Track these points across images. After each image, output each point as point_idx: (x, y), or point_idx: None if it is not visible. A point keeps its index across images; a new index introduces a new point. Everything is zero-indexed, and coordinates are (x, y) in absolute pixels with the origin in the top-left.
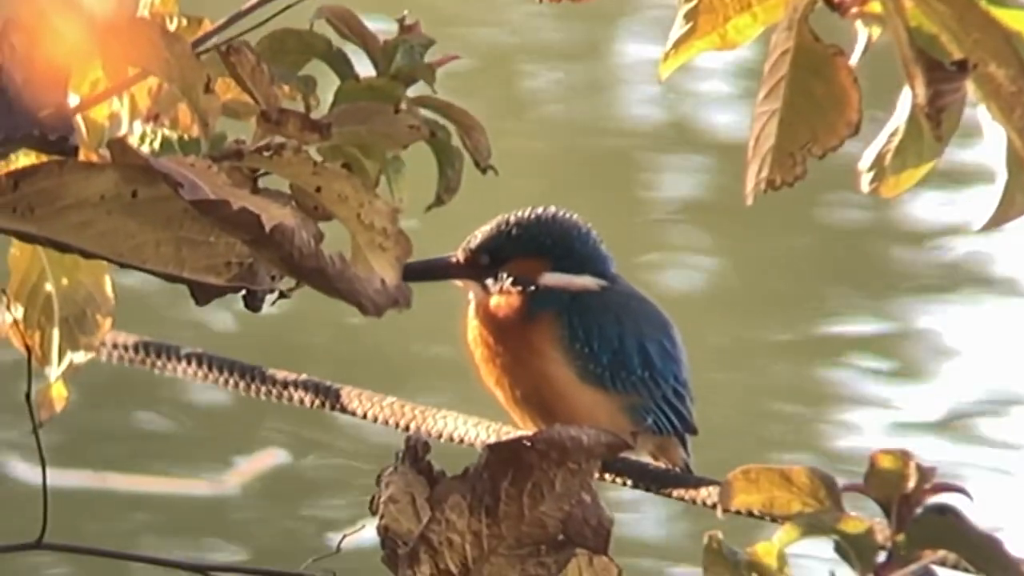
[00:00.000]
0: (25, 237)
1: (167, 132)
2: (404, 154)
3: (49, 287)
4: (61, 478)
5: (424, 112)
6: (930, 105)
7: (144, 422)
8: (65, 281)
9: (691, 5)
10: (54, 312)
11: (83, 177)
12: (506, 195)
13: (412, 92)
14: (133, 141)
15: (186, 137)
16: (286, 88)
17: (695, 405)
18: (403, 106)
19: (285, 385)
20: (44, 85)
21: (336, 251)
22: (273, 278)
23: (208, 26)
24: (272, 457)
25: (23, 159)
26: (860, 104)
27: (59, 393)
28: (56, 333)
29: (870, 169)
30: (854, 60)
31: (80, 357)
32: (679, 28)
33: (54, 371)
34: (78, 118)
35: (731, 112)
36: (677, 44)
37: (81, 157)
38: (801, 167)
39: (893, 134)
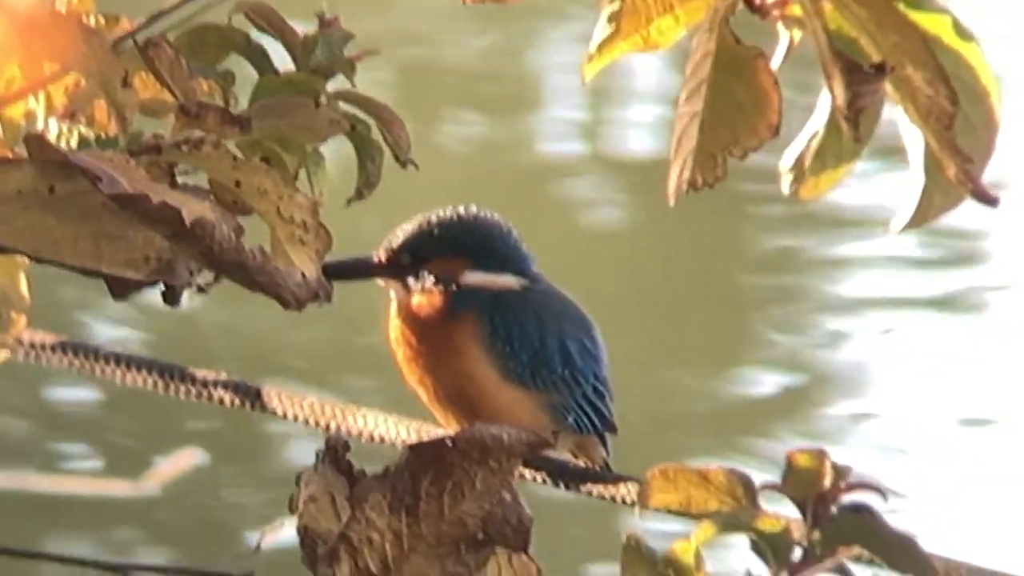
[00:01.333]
0: None
1: (83, 130)
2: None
3: None
4: None
5: (344, 106)
6: (849, 107)
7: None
8: None
9: (614, 7)
10: None
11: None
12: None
13: (331, 87)
14: (49, 139)
15: (103, 135)
16: (204, 83)
17: (614, 404)
18: (323, 100)
19: (205, 384)
20: None
21: (256, 245)
22: (191, 272)
23: (126, 25)
24: (191, 456)
25: None
26: (780, 106)
27: None
28: None
29: (790, 171)
30: (775, 63)
31: None
32: (602, 30)
33: None
34: None
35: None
36: (601, 46)
37: None
38: (722, 168)
39: (813, 136)
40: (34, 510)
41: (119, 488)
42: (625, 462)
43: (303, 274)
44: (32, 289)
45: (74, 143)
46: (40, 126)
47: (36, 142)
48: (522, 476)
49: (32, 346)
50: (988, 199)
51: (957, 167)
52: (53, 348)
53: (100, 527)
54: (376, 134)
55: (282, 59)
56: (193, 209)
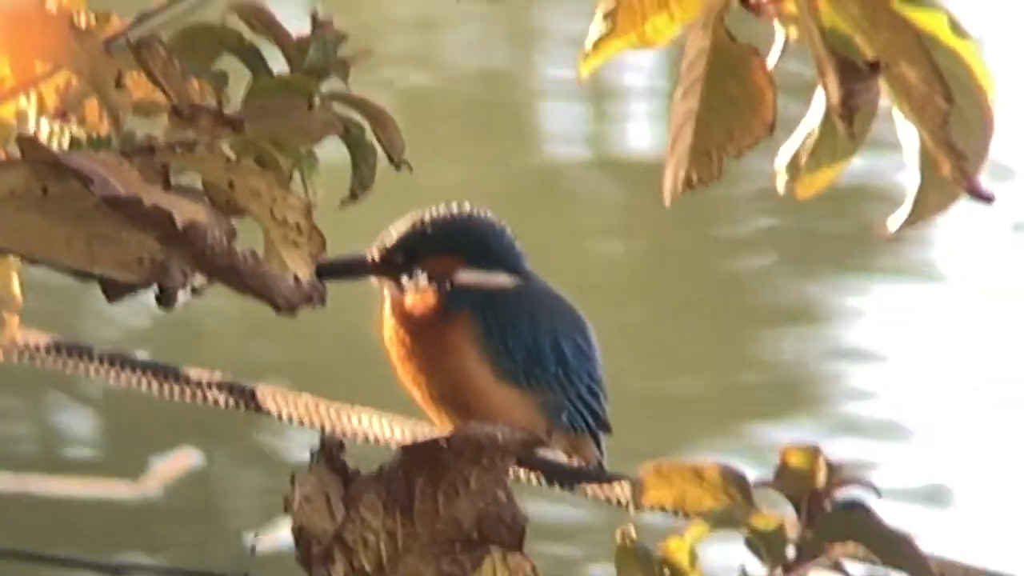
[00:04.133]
0: None
1: (75, 130)
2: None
3: None
4: None
5: (338, 107)
6: (843, 105)
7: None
8: None
9: (610, 5)
10: None
11: None
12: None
13: (325, 88)
14: (41, 139)
15: (95, 135)
16: (197, 84)
17: (608, 403)
18: (316, 101)
19: (199, 384)
20: None
21: (248, 247)
22: (185, 275)
23: (117, 23)
24: (188, 457)
25: None
26: (775, 104)
27: None
28: None
29: (786, 169)
30: (771, 60)
31: None
32: (598, 28)
33: None
34: None
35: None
36: (597, 44)
37: None
38: (718, 166)
39: (808, 134)
40: (31, 512)
41: (118, 490)
42: (623, 457)
43: (296, 277)
44: (26, 290)
45: (66, 143)
46: (31, 126)
47: (29, 143)
48: (516, 476)
49: (26, 347)
50: (983, 197)
51: (952, 165)
52: (47, 349)
53: (99, 529)
54: (370, 136)
55: (276, 60)
56: (185, 212)
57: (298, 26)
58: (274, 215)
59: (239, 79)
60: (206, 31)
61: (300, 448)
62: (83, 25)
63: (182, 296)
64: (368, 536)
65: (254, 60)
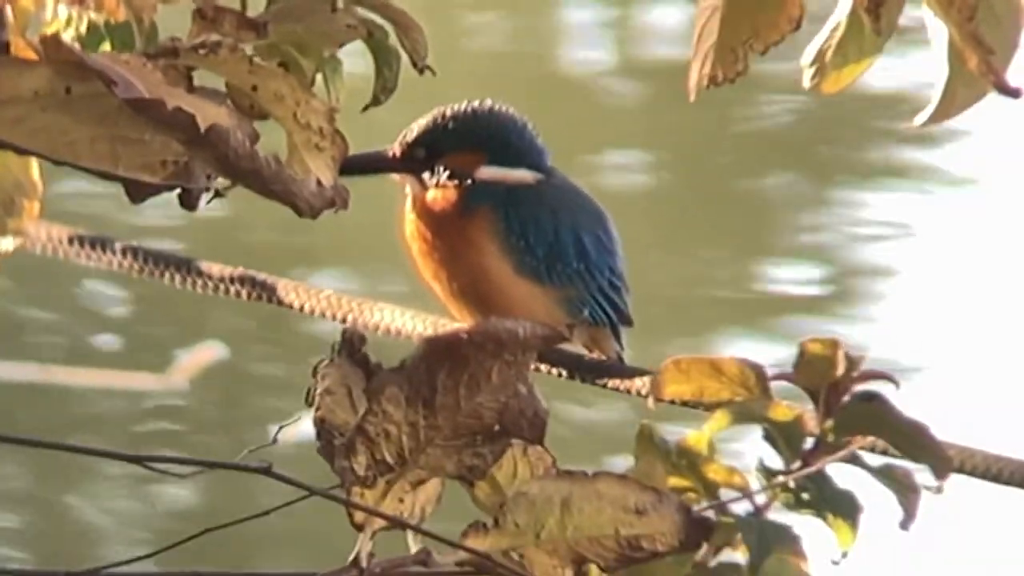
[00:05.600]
0: None
1: (93, 16)
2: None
3: None
4: (4, 371)
5: (361, 11)
6: (870, 0)
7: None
8: None
9: None
10: None
11: (16, 73)
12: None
13: None
14: (59, 25)
15: (112, 21)
16: None
17: (630, 296)
18: (340, 5)
19: (221, 279)
20: None
21: (272, 152)
22: (209, 177)
23: None
24: (213, 351)
25: None
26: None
27: None
28: None
29: (811, 65)
30: None
31: (8, 244)
32: None
33: None
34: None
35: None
36: None
37: (14, 52)
38: (743, 63)
39: (834, 29)
40: (60, 402)
41: (144, 382)
42: (647, 351)
43: (318, 181)
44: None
45: (84, 29)
46: (49, 11)
47: (52, 43)
48: (537, 369)
49: (48, 239)
50: (1011, 91)
51: (980, 59)
52: (70, 241)
53: (125, 420)
54: (393, 39)
55: None
56: (208, 115)
57: None
58: (297, 119)
59: None
60: None
61: (323, 342)
62: None
63: (204, 198)
64: (390, 428)
65: None
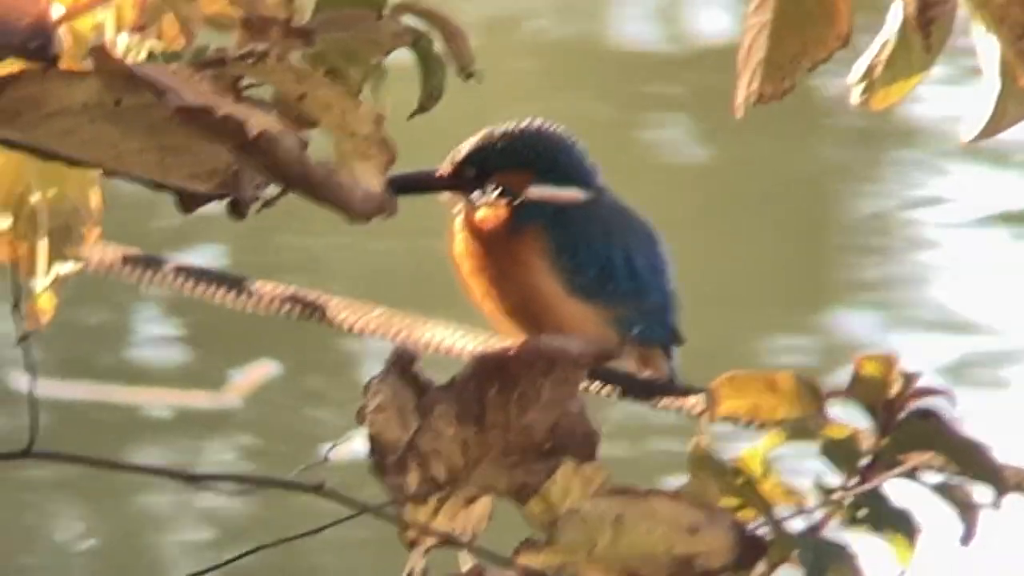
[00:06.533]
0: (9, 144)
1: (152, 44)
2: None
3: (35, 198)
4: (61, 390)
5: (407, 19)
6: (920, 16)
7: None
8: (51, 193)
9: None
10: (39, 223)
11: (65, 84)
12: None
13: None
14: (118, 53)
15: (171, 50)
16: None
17: (681, 315)
18: (386, 12)
19: (272, 298)
20: None
21: (321, 159)
22: (257, 185)
23: None
24: (266, 369)
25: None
26: (850, 17)
27: (46, 304)
28: (42, 244)
29: (860, 81)
30: None
31: (66, 268)
32: None
33: (40, 282)
34: (62, 29)
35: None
36: None
37: (64, 66)
38: (790, 80)
39: (883, 46)
40: (115, 421)
41: (198, 400)
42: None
43: (368, 188)
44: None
45: (143, 56)
46: (109, 39)
47: (101, 54)
48: (587, 389)
49: (101, 260)
50: None
51: None
52: (124, 261)
53: (180, 438)
54: (439, 47)
55: None
56: (258, 122)
57: None
58: (345, 127)
59: None
60: None
61: (376, 360)
62: None
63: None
64: (441, 446)
65: None
